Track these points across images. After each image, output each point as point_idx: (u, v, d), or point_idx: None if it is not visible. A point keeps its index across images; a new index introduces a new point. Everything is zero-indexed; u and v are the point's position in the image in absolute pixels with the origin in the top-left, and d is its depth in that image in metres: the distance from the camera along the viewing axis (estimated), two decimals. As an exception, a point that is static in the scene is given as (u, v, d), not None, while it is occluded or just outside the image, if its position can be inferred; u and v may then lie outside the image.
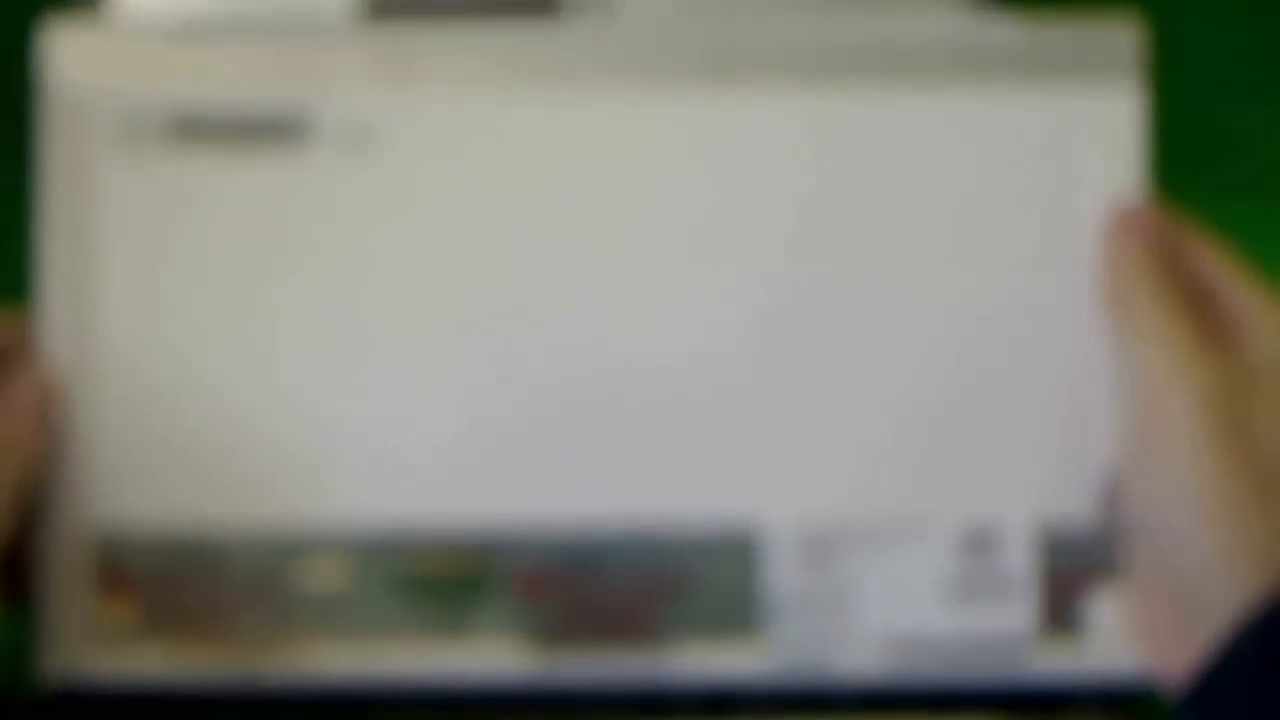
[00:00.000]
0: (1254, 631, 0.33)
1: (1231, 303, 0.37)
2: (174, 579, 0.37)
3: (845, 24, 0.38)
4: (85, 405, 0.37)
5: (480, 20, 0.38)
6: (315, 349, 0.37)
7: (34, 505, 0.37)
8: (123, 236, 0.37)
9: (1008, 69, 0.38)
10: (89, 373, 0.37)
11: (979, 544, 0.38)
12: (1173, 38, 0.39)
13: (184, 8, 0.38)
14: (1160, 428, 0.36)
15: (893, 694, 0.38)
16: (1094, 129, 0.38)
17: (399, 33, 0.38)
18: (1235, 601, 0.34)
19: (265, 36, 0.38)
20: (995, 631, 0.38)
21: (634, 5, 0.40)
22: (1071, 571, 0.38)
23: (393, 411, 0.37)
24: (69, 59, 0.37)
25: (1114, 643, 0.38)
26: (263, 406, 0.37)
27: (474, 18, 0.38)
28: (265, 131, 0.38)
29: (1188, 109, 0.45)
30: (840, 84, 0.38)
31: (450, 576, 0.37)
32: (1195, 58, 0.47)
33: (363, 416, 0.37)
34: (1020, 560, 0.38)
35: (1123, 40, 0.38)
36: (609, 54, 0.38)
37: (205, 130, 0.38)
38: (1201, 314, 0.37)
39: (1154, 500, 0.36)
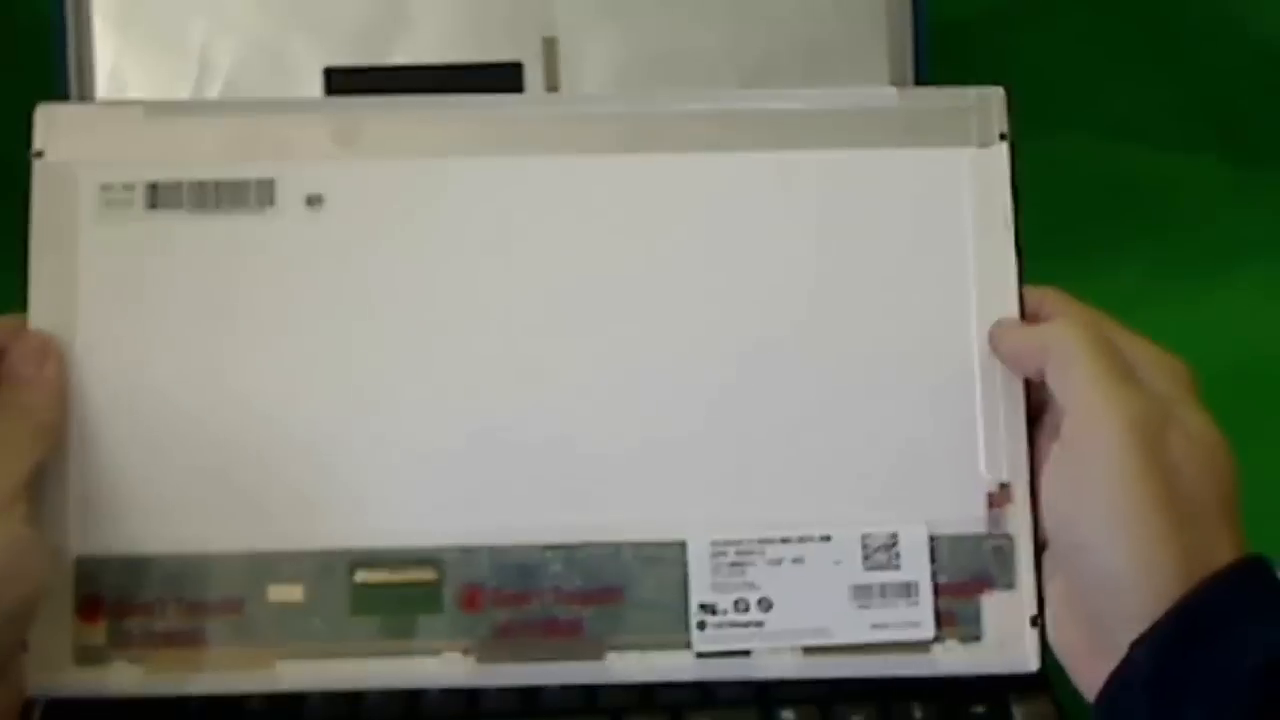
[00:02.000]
0: (1149, 649, 0.35)
1: (1118, 347, 0.39)
2: (144, 600, 0.40)
3: (751, 96, 0.43)
4: (63, 438, 0.40)
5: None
6: (273, 386, 0.41)
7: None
8: (103, 290, 0.41)
9: (891, 129, 0.43)
10: (67, 411, 0.41)
11: (879, 554, 0.41)
12: (1089, 89, 0.43)
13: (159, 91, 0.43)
14: (1087, 455, 0.38)
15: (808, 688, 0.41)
16: (966, 182, 0.43)
17: (353, 107, 0.43)
18: (1143, 618, 0.36)
19: (230, 112, 0.43)
20: (897, 637, 0.41)
21: (581, 84, 0.45)
22: (966, 577, 0.41)
23: (344, 439, 0.41)
24: (56, 133, 0.42)
25: (1009, 645, 0.41)
26: (223, 436, 0.41)
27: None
28: (230, 196, 0.42)
29: (1100, 155, 0.49)
30: (745, 145, 0.43)
31: (399, 591, 0.41)
32: (1107, 107, 0.51)
33: (317, 444, 0.41)
34: (917, 568, 0.41)
35: (992, 101, 0.43)
36: (544, 122, 0.43)
37: (177, 196, 0.42)
38: None
39: (1076, 521, 0.38)
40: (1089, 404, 0.38)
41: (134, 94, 0.45)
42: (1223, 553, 0.37)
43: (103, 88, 0.45)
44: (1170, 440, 0.37)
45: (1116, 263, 0.47)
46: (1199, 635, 0.35)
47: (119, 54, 0.45)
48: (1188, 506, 0.37)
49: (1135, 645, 0.36)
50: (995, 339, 0.42)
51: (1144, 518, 0.36)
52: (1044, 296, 0.42)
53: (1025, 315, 0.42)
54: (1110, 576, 0.37)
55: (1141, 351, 0.40)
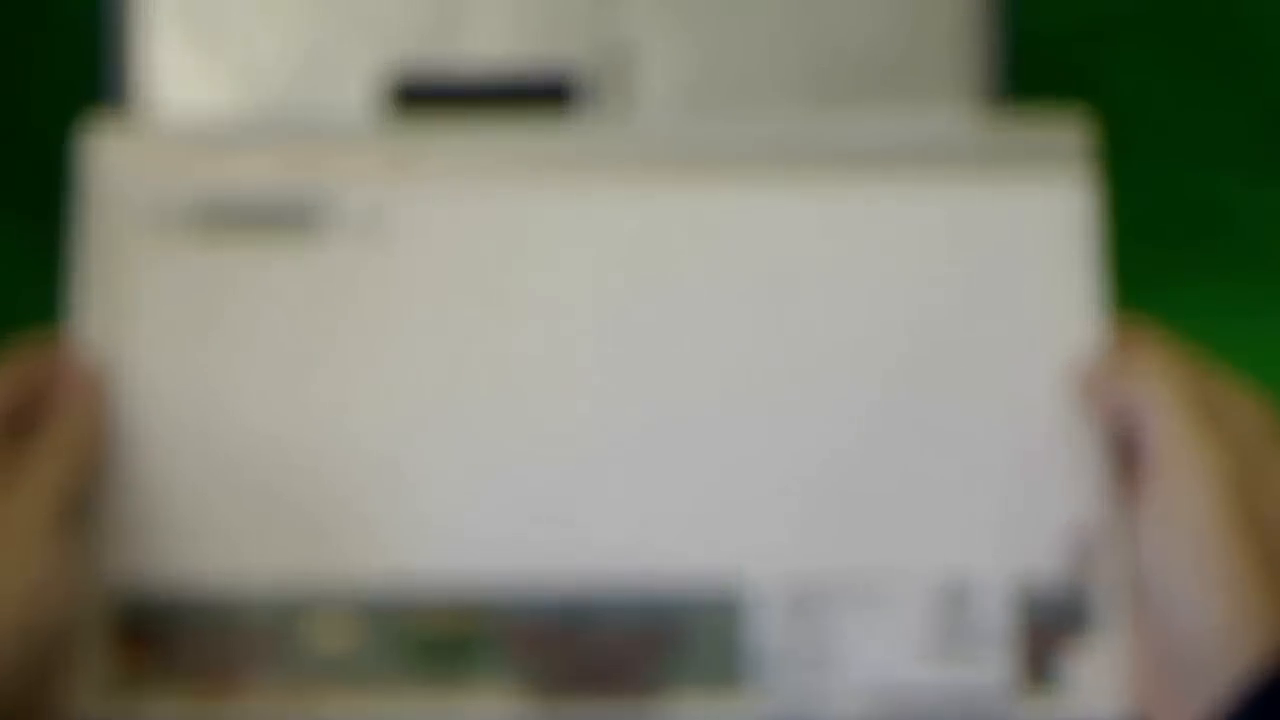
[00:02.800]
0: (1242, 704, 0.34)
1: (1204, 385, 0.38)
2: (190, 634, 0.39)
3: (823, 122, 0.42)
4: (109, 469, 0.39)
5: (500, 110, 0.42)
6: (325, 420, 0.40)
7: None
8: (152, 317, 0.40)
9: (966, 162, 0.41)
10: (113, 439, 0.40)
11: (956, 599, 0.39)
12: (1162, 116, 0.41)
13: (212, 108, 0.42)
14: (1176, 507, 0.37)
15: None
16: (1046, 216, 0.41)
17: (410, 128, 0.41)
18: (1233, 672, 0.34)
19: (285, 134, 0.41)
20: (974, 684, 0.39)
21: (644, 97, 0.43)
22: (1047, 626, 0.39)
23: (397, 476, 0.40)
24: (106, 156, 0.41)
25: (1090, 696, 0.39)
26: (270, 467, 0.40)
27: (494, 108, 0.42)
28: (284, 221, 0.41)
29: (1176, 184, 0.48)
30: (817, 175, 0.41)
31: (451, 633, 0.39)
32: (1183, 134, 0.49)
33: (369, 481, 0.40)
34: (997, 615, 0.39)
35: (1072, 133, 0.41)
36: (608, 148, 0.41)
37: (229, 220, 0.41)
38: None
39: (1168, 576, 0.37)
40: (1179, 459, 0.37)
41: (183, 98, 0.43)
42: None
43: (151, 92, 0.44)
44: (1263, 494, 0.36)
45: (1195, 295, 0.45)
46: None
47: (168, 58, 0.44)
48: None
49: (1227, 706, 0.34)
50: (1082, 386, 0.40)
51: (1239, 573, 0.35)
52: (1136, 333, 0.40)
53: (1114, 348, 0.40)
54: (1203, 633, 0.35)
55: (1229, 398, 0.38)
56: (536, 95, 0.44)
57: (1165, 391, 0.38)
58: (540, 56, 0.45)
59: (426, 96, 0.44)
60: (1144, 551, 0.38)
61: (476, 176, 0.41)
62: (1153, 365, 0.38)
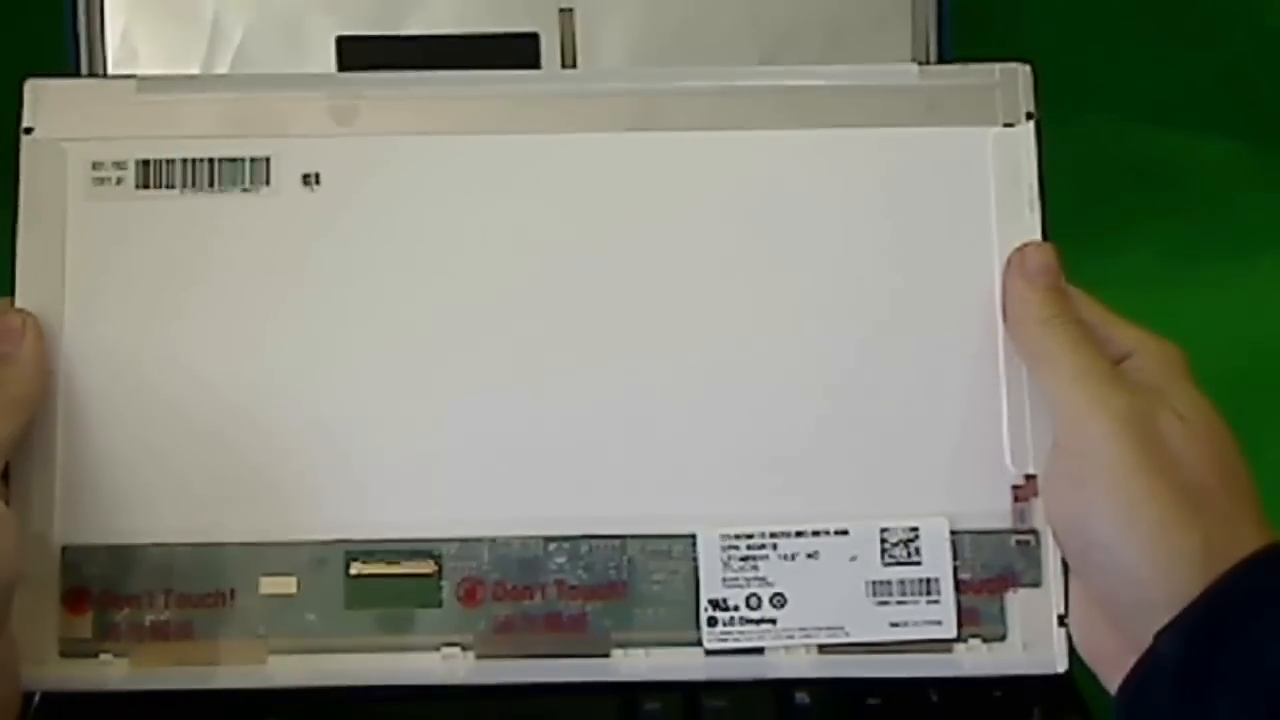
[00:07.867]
0: (1174, 639, 0.34)
1: (1109, 335, 0.39)
2: (132, 592, 0.39)
3: (770, 73, 0.42)
4: (49, 425, 0.39)
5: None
6: (266, 372, 0.40)
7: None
8: (91, 271, 0.40)
9: (913, 107, 0.41)
10: (53, 394, 0.39)
11: (900, 548, 0.40)
12: (1107, 75, 0.42)
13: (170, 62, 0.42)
14: (1082, 455, 0.37)
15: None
16: (992, 158, 0.41)
17: (352, 83, 0.41)
18: (1164, 608, 0.35)
19: (226, 88, 0.41)
20: (918, 630, 0.39)
21: (598, 56, 0.43)
22: (989, 572, 0.40)
23: (339, 427, 0.40)
24: (46, 108, 0.41)
25: (1031, 642, 0.39)
26: (215, 423, 0.39)
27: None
28: (224, 175, 0.41)
29: (1122, 140, 0.48)
30: (763, 123, 0.41)
31: (395, 584, 0.39)
32: (1130, 92, 0.50)
33: (311, 431, 0.40)
34: (940, 562, 0.40)
35: (1017, 78, 0.41)
36: (550, 99, 0.41)
37: (169, 173, 0.41)
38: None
39: (1085, 522, 0.37)
40: (1073, 406, 0.37)
41: (144, 65, 0.44)
42: (1246, 534, 0.36)
43: (113, 59, 0.44)
44: (1163, 429, 0.36)
45: (1135, 244, 0.46)
46: (1226, 624, 0.34)
47: (129, 25, 0.44)
48: (1197, 492, 0.36)
49: (1159, 635, 0.35)
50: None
51: (1150, 510, 0.35)
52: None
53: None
54: (1129, 573, 0.36)
55: (1130, 337, 0.39)
56: (492, 59, 0.44)
57: (1050, 343, 0.38)
58: (495, 24, 0.45)
59: (382, 63, 0.44)
60: (1057, 502, 0.39)
61: (419, 126, 0.41)
62: (1034, 318, 0.39)
